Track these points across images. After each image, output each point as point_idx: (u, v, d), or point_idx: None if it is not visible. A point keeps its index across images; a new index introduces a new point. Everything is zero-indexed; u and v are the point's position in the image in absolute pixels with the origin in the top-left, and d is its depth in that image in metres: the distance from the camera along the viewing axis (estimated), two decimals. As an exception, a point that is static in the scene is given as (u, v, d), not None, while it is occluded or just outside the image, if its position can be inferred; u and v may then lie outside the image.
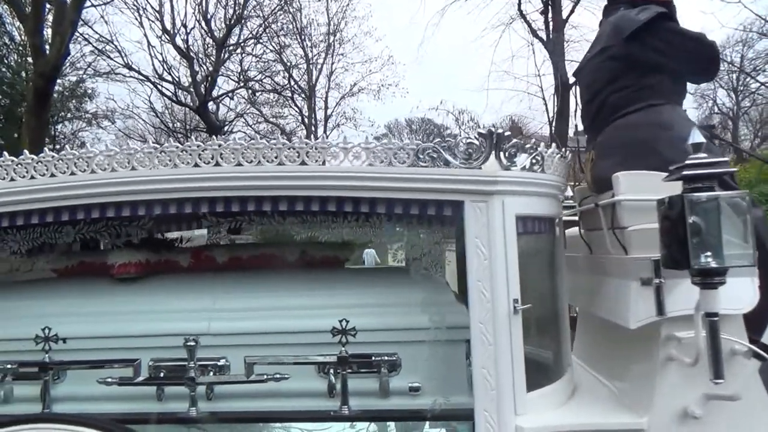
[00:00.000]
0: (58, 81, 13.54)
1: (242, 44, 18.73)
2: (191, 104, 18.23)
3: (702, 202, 1.59)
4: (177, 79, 18.07)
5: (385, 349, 2.09)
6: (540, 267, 2.25)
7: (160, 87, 18.01)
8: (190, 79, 17.76)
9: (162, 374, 2.12)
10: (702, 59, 2.26)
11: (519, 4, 16.02)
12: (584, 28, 15.91)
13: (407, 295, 2.15)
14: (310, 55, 20.02)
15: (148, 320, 2.19)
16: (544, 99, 16.80)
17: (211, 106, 18.30)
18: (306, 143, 1.94)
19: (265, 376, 2.03)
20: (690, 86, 2.55)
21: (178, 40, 17.46)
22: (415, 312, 2.11)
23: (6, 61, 17.38)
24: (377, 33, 26.40)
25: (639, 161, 2.06)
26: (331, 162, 1.94)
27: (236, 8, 17.95)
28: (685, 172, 1.61)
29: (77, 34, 13.42)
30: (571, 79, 14.10)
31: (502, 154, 1.91)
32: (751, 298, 1.88)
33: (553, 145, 2.29)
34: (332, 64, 20.60)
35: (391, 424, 2.20)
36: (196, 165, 1.95)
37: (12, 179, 2.04)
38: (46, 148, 2.13)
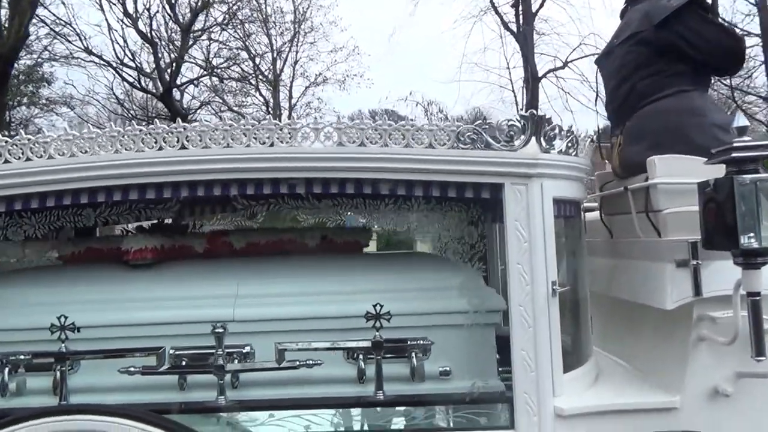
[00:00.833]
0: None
1: (209, 30, 18.23)
2: (154, 91, 17.65)
3: (747, 184, 1.62)
4: (139, 65, 17.48)
5: (413, 334, 2.07)
6: (568, 250, 2.27)
7: (121, 72, 17.37)
8: (153, 65, 17.19)
9: (184, 363, 2.05)
10: (729, 52, 2.27)
11: (491, -4, 16.10)
12: (554, 21, 16.20)
13: (437, 280, 2.14)
14: (275, 44, 19.64)
15: (168, 308, 2.11)
16: (513, 91, 17.03)
17: (175, 93, 17.75)
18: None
19: (297, 363, 1.98)
20: None
21: (141, 25, 16.87)
22: (445, 296, 2.11)
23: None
24: (343, 23, 25.97)
25: (670, 146, 2.08)
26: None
27: (202, -7, 17.41)
28: (734, 155, 1.63)
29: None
30: (543, 71, 14.36)
31: (542, 136, 1.90)
32: None
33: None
34: (296, 53, 20.25)
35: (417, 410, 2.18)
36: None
37: None
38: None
